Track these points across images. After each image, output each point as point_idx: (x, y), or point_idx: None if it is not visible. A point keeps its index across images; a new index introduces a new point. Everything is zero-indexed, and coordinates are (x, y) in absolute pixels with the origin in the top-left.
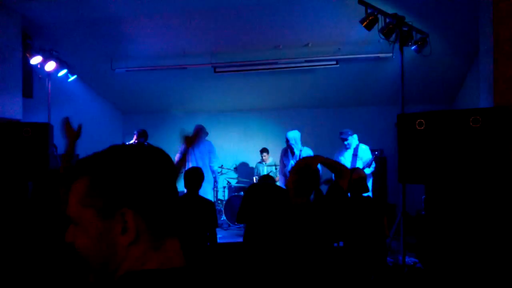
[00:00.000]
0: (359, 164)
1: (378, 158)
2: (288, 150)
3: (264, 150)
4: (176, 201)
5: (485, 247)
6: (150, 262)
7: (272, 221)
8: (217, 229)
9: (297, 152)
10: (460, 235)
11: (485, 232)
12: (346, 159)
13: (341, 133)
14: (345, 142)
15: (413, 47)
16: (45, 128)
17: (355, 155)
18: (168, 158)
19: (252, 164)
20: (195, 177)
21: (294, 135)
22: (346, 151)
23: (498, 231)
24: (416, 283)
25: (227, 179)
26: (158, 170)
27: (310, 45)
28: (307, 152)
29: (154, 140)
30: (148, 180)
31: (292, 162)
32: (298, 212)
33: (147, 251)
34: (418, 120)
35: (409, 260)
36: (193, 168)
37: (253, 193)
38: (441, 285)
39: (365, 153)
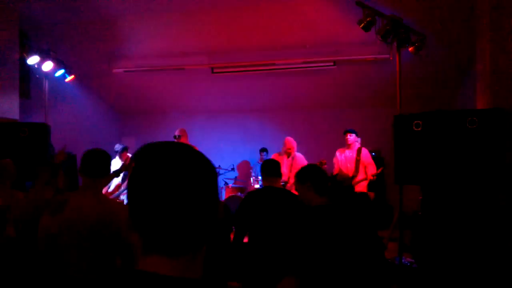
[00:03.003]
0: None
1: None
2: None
3: (263, 150)
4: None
5: (481, 247)
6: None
7: (289, 224)
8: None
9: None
10: (456, 236)
11: (481, 233)
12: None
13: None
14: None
15: (410, 49)
16: (43, 128)
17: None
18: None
19: (251, 164)
20: None
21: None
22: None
23: (493, 232)
24: (412, 283)
25: (225, 179)
26: (157, 180)
27: (307, 46)
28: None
29: (151, 141)
30: (140, 190)
31: None
32: (321, 213)
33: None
34: (415, 121)
35: (405, 261)
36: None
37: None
38: (436, 285)
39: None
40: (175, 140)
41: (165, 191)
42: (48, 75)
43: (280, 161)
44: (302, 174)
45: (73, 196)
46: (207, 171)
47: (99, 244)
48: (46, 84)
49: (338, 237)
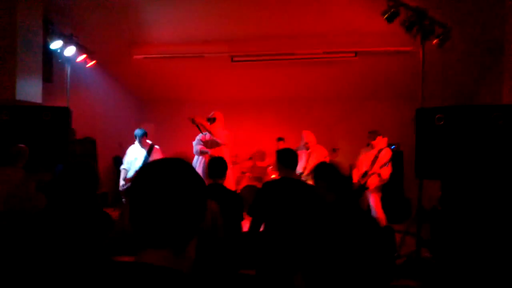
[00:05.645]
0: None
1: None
2: None
3: (280, 139)
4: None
5: (501, 245)
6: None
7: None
8: None
9: None
10: (475, 232)
11: (502, 230)
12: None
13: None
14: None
15: (434, 41)
16: (65, 112)
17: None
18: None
19: (267, 153)
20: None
21: None
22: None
23: None
24: (429, 278)
25: (242, 168)
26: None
27: (328, 36)
28: None
29: (170, 128)
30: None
31: None
32: (330, 210)
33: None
34: (437, 115)
35: (423, 255)
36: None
37: (272, 189)
38: (454, 280)
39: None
40: (209, 123)
41: (158, 201)
42: (70, 60)
43: (298, 154)
44: (315, 172)
45: None
46: (190, 185)
47: None
48: (68, 69)
49: (339, 234)
